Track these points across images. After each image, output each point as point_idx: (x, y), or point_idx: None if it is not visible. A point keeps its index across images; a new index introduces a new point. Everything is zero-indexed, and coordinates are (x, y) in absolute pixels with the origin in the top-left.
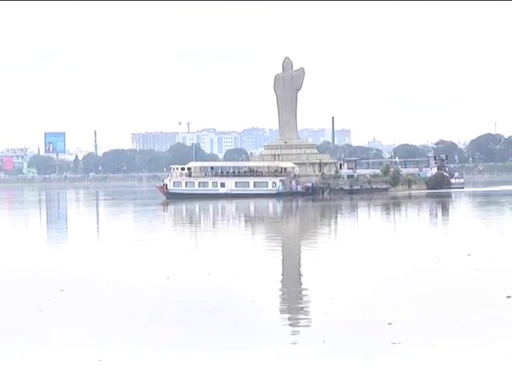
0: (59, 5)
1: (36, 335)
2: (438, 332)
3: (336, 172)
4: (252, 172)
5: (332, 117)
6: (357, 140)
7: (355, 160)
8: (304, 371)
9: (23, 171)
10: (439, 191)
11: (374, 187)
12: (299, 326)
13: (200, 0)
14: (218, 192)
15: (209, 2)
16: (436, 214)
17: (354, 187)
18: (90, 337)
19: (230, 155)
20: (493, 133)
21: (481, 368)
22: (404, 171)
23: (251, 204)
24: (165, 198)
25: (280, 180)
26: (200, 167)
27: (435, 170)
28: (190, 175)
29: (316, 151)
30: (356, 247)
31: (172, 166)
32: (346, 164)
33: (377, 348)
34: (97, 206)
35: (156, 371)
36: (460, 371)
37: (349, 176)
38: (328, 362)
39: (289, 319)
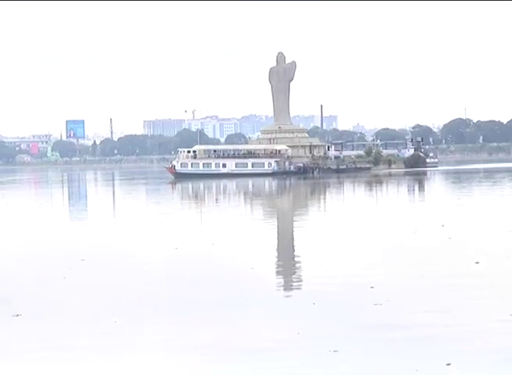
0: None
1: (59, 299)
2: (414, 294)
3: (325, 153)
4: (250, 154)
5: (321, 105)
6: (343, 125)
7: (341, 143)
8: (296, 329)
9: (47, 155)
10: (415, 169)
11: (358, 166)
12: (292, 289)
13: (205, 0)
14: (220, 172)
15: (213, 3)
16: (413, 190)
17: (341, 167)
18: (107, 300)
19: (231, 139)
20: (463, 118)
21: (449, 322)
22: (385, 152)
23: (250, 182)
24: (173, 177)
25: (275, 161)
26: (204, 150)
27: (412, 151)
28: (195, 157)
29: (307, 135)
30: (342, 219)
31: (180, 149)
32: (333, 146)
33: (361, 309)
34: (113, 185)
35: (166, 329)
36: (432, 323)
37: (336, 157)
38: (317, 320)
39: (283, 283)
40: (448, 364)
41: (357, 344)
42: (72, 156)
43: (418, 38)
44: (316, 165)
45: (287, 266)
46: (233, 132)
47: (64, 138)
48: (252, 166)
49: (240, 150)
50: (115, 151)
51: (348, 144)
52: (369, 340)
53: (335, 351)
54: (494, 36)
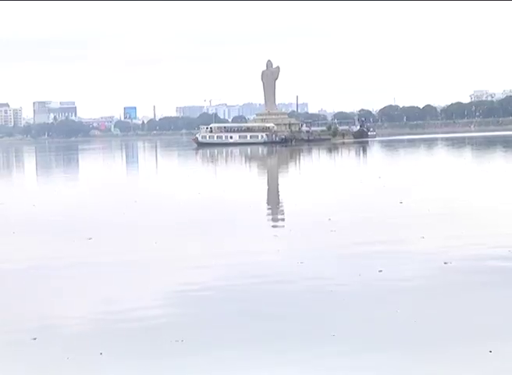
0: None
1: (120, 227)
2: (358, 223)
3: (299, 129)
4: (249, 129)
5: (297, 95)
6: (312, 109)
7: (310, 122)
8: (276, 247)
9: (111, 130)
10: (361, 140)
11: (322, 138)
12: (277, 221)
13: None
14: (228, 142)
15: (224, 30)
16: (359, 153)
17: (310, 138)
18: (149, 226)
19: (235, 120)
20: (393, 104)
21: (382, 241)
22: (340, 128)
23: (248, 149)
24: (196, 146)
25: (266, 134)
26: (218, 127)
27: (358, 127)
28: (211, 131)
29: (287, 116)
30: (311, 173)
31: (201, 126)
32: (305, 124)
33: (321, 234)
34: (156, 151)
35: (192, 246)
36: (370, 242)
37: (307, 132)
38: (291, 242)
39: (271, 216)
40: (380, 271)
41: (318, 257)
42: (128, 131)
43: (357, 44)
44: (293, 137)
45: (274, 205)
46: (237, 114)
47: (122, 119)
48: (250, 138)
49: (242, 127)
50: (157, 128)
51: (315, 122)
52: (326, 255)
53: (301, 262)
54: (415, 38)
